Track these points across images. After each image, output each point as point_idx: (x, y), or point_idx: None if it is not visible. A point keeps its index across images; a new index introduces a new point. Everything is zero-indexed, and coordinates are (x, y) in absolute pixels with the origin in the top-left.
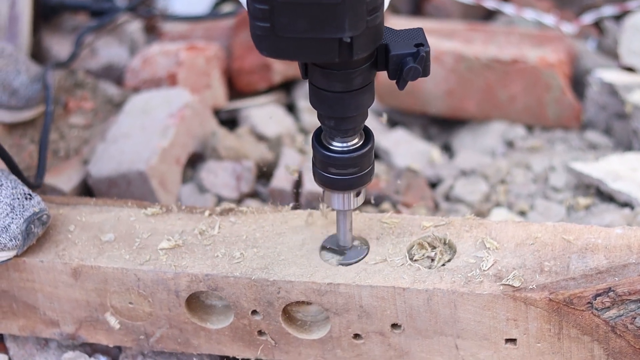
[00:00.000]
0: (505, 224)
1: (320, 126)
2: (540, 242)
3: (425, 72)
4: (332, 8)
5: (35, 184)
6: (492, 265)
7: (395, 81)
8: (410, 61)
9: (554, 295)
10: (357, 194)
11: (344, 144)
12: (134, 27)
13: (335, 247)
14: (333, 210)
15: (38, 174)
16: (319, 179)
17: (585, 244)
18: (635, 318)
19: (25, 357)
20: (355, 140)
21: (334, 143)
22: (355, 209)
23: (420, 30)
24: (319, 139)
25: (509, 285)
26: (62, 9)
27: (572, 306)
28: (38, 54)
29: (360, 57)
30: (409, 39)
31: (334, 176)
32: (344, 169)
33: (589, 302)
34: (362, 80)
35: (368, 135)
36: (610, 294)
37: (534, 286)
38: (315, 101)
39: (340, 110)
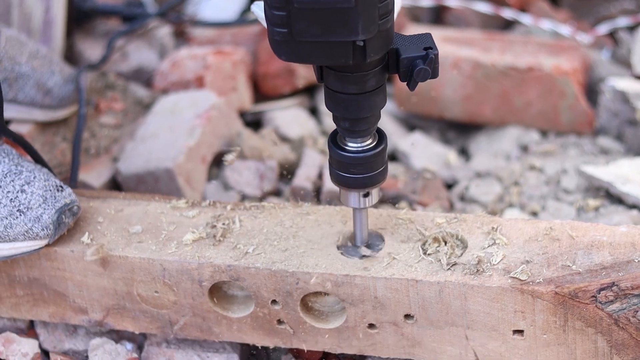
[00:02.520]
0: (515, 221)
1: (335, 128)
2: (548, 238)
3: (435, 74)
4: (346, 12)
5: (69, 187)
6: (502, 259)
7: (406, 83)
8: (420, 63)
9: (559, 288)
10: (372, 193)
11: (359, 145)
12: (164, 32)
13: (351, 243)
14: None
15: (72, 177)
16: (335, 178)
17: (591, 240)
18: (637, 311)
19: (55, 343)
20: (369, 141)
21: (349, 144)
22: (370, 207)
23: (428, 35)
24: (335, 140)
25: (516, 278)
26: (94, 14)
27: (577, 299)
28: (71, 56)
29: (373, 60)
30: (419, 43)
31: (349, 175)
32: (359, 169)
33: (593, 296)
34: (375, 82)
35: (381, 135)
36: (614, 288)
37: (540, 280)
38: (330, 104)
39: (354, 112)
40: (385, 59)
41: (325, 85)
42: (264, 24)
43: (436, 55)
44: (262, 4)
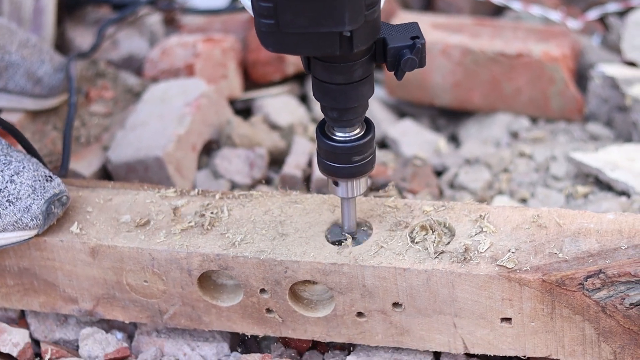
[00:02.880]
0: (502, 209)
1: (323, 118)
2: (535, 226)
3: (422, 63)
4: (333, 3)
5: (60, 175)
6: (489, 247)
7: (393, 72)
8: (407, 53)
9: (547, 276)
10: (360, 182)
11: (347, 134)
12: (154, 19)
13: (340, 232)
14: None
15: (62, 165)
16: (323, 168)
17: (578, 228)
18: (624, 299)
19: (46, 332)
20: (357, 130)
21: (337, 133)
22: (358, 196)
23: (415, 24)
24: (323, 130)
25: (504, 266)
26: (85, 2)
27: (564, 287)
28: (62, 45)
29: (360, 50)
30: (405, 32)
31: (337, 165)
32: (347, 158)
33: (580, 284)
34: (362, 72)
35: (369, 125)
36: (601, 275)
37: (528, 267)
38: (318, 94)
39: (342, 102)
40: (372, 49)
41: (313, 75)
42: (251, 12)
43: (423, 44)
44: None
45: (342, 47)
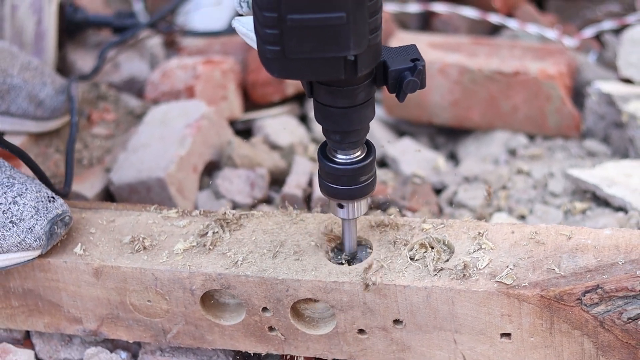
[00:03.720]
0: (500, 226)
1: (325, 140)
2: (533, 242)
3: (423, 85)
4: (338, 29)
5: (63, 193)
6: (488, 264)
7: (395, 95)
8: (408, 75)
9: (545, 292)
10: (361, 204)
11: (348, 156)
12: (154, 42)
13: (340, 250)
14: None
15: (65, 183)
16: (324, 189)
17: (575, 244)
18: (622, 313)
19: (51, 352)
20: (358, 153)
21: (339, 156)
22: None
23: (414, 47)
24: (324, 152)
25: (502, 282)
26: (86, 26)
27: (563, 302)
28: (63, 68)
29: (364, 74)
30: (405, 54)
31: (338, 187)
32: (348, 180)
33: (578, 299)
34: (364, 95)
35: (370, 147)
36: (599, 290)
37: (526, 283)
38: (320, 117)
39: (345, 125)
40: (373, 73)
41: (316, 99)
42: (247, 40)
43: (424, 66)
44: (243, 19)
45: (347, 72)
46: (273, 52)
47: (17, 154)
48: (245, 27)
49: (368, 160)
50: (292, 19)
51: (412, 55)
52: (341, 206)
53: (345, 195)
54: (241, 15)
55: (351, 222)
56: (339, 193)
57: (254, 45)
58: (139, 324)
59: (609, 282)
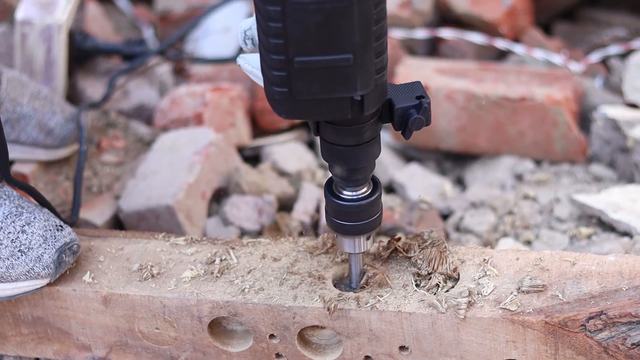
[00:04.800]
0: (505, 253)
1: (331, 177)
2: (537, 269)
3: (428, 122)
4: (345, 70)
5: (70, 222)
6: (492, 290)
7: (401, 132)
8: (414, 112)
9: (549, 318)
10: (367, 238)
11: (354, 193)
12: (164, 69)
13: (347, 280)
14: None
15: (73, 212)
16: (331, 225)
17: (580, 270)
18: (625, 339)
19: None
20: (365, 189)
21: (345, 192)
22: (365, 252)
23: (418, 84)
24: (331, 189)
25: (507, 309)
26: (96, 53)
27: (567, 328)
28: (73, 95)
29: (370, 113)
30: (410, 92)
31: (345, 222)
32: (355, 216)
33: (582, 325)
34: (370, 133)
35: (376, 183)
36: (602, 316)
37: (531, 310)
38: (327, 155)
39: (351, 162)
40: (379, 110)
41: (322, 138)
42: (252, 77)
43: (429, 104)
44: (248, 56)
45: (354, 111)
46: (281, 93)
47: (26, 190)
48: (251, 64)
49: (374, 197)
50: (299, 62)
51: (417, 93)
52: (349, 241)
53: (352, 230)
54: (246, 52)
55: (357, 256)
56: (346, 229)
57: (260, 82)
58: (148, 351)
59: (613, 309)
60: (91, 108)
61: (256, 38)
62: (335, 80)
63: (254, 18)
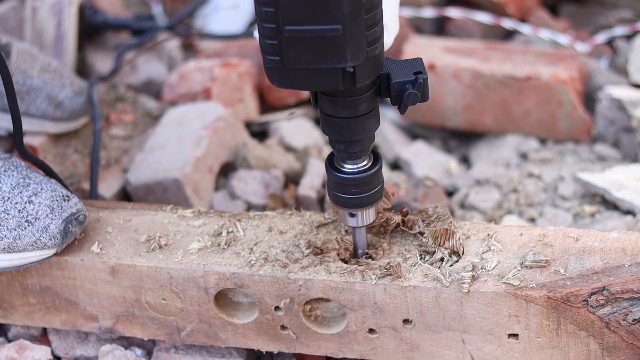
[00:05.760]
0: (509, 228)
1: (332, 151)
2: (541, 244)
3: (424, 97)
4: (334, 40)
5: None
6: (496, 265)
7: (397, 107)
8: (409, 87)
9: (552, 293)
10: (369, 211)
11: (354, 166)
12: (173, 45)
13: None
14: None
15: (91, 191)
16: (333, 199)
17: (583, 246)
18: (627, 315)
19: (67, 349)
20: (365, 162)
21: (345, 165)
22: (367, 225)
23: (419, 60)
24: (332, 163)
25: (510, 284)
26: (105, 28)
27: (569, 303)
28: (83, 69)
29: (364, 85)
30: (409, 68)
31: (346, 196)
32: (355, 189)
33: (584, 300)
34: (367, 106)
35: (376, 156)
36: (605, 292)
37: (534, 285)
38: (325, 127)
39: (348, 135)
40: (376, 84)
41: (320, 109)
42: None
43: (425, 79)
44: None
45: (346, 82)
46: (273, 62)
47: (39, 166)
48: None
49: (374, 170)
50: (289, 30)
51: (416, 69)
52: (351, 215)
53: (354, 204)
54: None
55: (361, 229)
56: (347, 202)
57: None
58: (154, 322)
59: (615, 284)
60: (100, 82)
61: None
62: (325, 51)
63: None
